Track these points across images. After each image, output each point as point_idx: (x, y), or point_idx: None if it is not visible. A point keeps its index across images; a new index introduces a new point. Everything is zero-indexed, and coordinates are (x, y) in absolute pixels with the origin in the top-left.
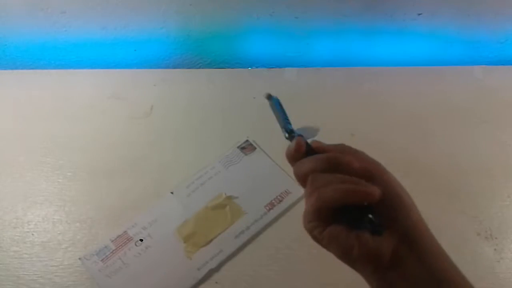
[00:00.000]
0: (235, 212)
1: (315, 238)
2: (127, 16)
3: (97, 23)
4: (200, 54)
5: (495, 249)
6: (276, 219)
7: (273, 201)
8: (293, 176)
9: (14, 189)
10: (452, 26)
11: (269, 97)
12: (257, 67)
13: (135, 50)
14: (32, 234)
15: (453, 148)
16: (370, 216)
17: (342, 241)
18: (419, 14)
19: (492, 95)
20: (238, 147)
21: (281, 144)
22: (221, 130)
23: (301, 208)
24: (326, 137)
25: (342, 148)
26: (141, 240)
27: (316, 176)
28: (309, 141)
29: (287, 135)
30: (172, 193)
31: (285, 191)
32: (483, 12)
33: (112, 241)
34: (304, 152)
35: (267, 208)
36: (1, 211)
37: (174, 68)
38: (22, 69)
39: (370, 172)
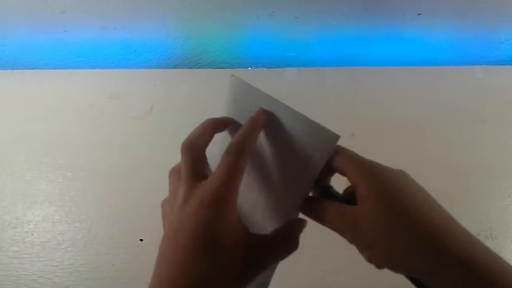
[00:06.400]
0: None
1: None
2: (127, 16)
3: (97, 23)
4: (200, 54)
5: (495, 249)
6: None
7: None
8: None
9: (14, 189)
10: (452, 26)
11: None
12: (257, 67)
13: (135, 50)
14: (32, 234)
15: (453, 148)
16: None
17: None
18: (419, 14)
19: (492, 95)
20: None
21: None
22: None
23: None
24: None
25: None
26: None
27: None
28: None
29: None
30: None
31: None
32: (483, 12)
33: None
34: None
35: None
36: (1, 211)
37: (174, 68)
38: (22, 69)
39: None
